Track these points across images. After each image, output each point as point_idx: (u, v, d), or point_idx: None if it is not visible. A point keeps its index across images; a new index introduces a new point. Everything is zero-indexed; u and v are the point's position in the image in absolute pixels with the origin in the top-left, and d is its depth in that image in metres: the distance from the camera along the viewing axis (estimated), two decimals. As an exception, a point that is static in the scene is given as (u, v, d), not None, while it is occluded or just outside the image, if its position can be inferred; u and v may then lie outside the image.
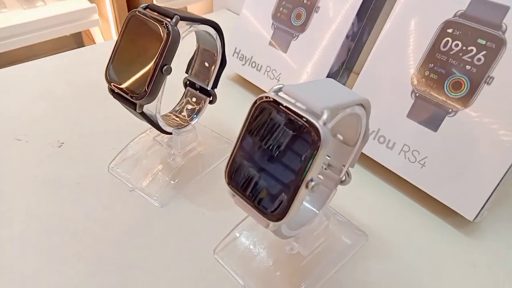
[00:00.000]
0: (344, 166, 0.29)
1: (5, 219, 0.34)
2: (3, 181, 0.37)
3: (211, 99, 0.38)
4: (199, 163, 0.39)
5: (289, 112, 0.22)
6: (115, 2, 1.31)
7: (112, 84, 0.32)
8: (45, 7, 1.27)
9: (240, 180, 0.24)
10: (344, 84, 0.45)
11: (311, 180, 0.22)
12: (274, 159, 0.23)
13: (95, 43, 1.50)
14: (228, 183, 0.25)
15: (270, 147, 0.23)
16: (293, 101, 0.23)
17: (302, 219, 0.29)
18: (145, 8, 0.32)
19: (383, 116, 0.37)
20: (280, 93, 0.24)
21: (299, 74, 0.43)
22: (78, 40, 1.57)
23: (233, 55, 0.49)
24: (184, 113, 0.38)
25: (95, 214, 0.35)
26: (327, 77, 0.42)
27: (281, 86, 0.24)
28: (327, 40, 0.41)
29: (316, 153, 0.21)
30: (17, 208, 0.35)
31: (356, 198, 0.37)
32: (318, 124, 0.21)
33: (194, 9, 1.74)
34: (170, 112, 0.38)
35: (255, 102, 0.24)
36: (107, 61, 0.32)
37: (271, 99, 0.23)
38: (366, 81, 0.39)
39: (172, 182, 0.37)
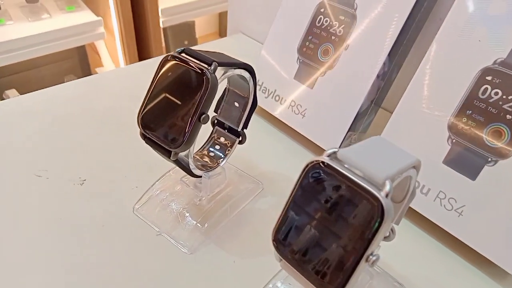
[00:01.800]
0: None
1: (27, 265, 0.32)
2: (24, 222, 0.36)
3: (240, 139, 0.37)
4: (228, 205, 0.37)
5: (348, 182, 0.21)
6: (121, 15, 1.30)
7: (145, 130, 0.31)
8: (51, 20, 1.26)
9: (290, 245, 0.23)
10: (372, 120, 0.44)
11: (372, 254, 0.21)
12: (331, 229, 0.22)
13: (99, 55, 1.49)
14: (276, 246, 0.24)
15: (327, 215, 0.22)
16: (351, 167, 0.22)
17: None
18: (180, 53, 0.31)
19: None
20: (336, 157, 0.23)
21: (326, 111, 0.43)
22: (81, 51, 1.56)
23: (255, 87, 0.48)
24: (212, 154, 0.37)
25: (120, 259, 0.33)
26: (356, 115, 0.41)
27: (336, 150, 0.23)
28: (357, 79, 0.41)
29: (379, 226, 0.20)
30: (38, 251, 0.33)
31: (392, 247, 0.36)
32: (381, 196, 0.21)
33: (201, 27, 1.73)
34: (197, 153, 0.37)
35: (307, 166, 0.23)
36: (140, 105, 0.31)
37: (326, 164, 0.22)
38: (399, 122, 0.38)
39: (201, 226, 0.35)
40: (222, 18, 1.93)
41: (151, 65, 0.58)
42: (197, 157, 0.37)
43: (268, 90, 0.47)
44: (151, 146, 0.32)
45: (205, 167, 0.36)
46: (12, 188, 0.39)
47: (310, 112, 0.44)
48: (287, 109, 0.46)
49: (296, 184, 0.23)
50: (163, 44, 1.58)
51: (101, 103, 0.50)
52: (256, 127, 0.48)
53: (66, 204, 0.38)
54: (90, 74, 1.62)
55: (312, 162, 0.23)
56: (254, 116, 0.50)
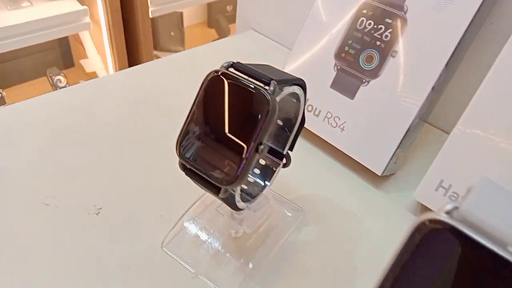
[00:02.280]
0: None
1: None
2: (30, 263, 0.30)
3: (284, 162, 0.32)
4: (271, 237, 0.33)
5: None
6: (108, 4, 1.21)
7: (187, 160, 0.26)
8: (32, 8, 1.17)
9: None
10: (417, 136, 0.40)
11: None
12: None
13: (83, 46, 1.40)
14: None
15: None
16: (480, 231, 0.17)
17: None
18: (228, 67, 0.26)
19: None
20: (456, 214, 0.18)
21: (370, 125, 0.38)
22: (63, 42, 1.46)
23: (284, 96, 0.43)
24: (252, 179, 0.33)
25: (152, 307, 0.29)
26: (407, 132, 0.36)
27: (456, 206, 0.18)
28: (409, 91, 0.36)
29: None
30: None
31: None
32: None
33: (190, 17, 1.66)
34: (235, 178, 0.32)
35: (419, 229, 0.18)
36: (179, 131, 0.26)
37: (451, 227, 0.18)
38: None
39: (243, 266, 0.31)
40: (210, 7, 1.86)
41: (158, 66, 0.53)
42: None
43: (299, 99, 0.43)
44: (194, 180, 0.27)
45: (246, 196, 0.31)
46: (15, 221, 0.33)
47: (350, 126, 0.39)
48: (322, 122, 0.41)
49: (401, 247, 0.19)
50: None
51: (107, 111, 0.44)
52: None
53: (82, 240, 0.32)
54: (73, 66, 1.53)
55: (426, 222, 0.18)
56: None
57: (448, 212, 0.18)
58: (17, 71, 1.39)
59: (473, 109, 0.33)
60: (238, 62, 0.26)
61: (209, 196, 0.33)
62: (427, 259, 0.18)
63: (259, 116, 0.24)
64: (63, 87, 1.38)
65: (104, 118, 0.44)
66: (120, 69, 1.36)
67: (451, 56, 0.35)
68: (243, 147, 0.24)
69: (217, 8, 1.79)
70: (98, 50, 1.38)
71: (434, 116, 0.43)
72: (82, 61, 1.41)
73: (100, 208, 0.34)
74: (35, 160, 0.38)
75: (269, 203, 0.32)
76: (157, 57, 1.64)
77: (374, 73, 0.38)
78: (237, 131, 0.25)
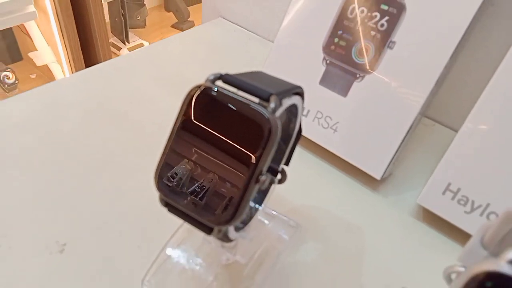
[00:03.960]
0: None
1: None
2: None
3: (280, 178, 0.28)
4: (266, 261, 0.29)
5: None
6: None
7: (169, 197, 0.21)
8: (-34, -3, 1.05)
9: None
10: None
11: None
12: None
13: (30, 37, 1.28)
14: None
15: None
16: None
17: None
18: (214, 81, 0.21)
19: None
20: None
21: (366, 125, 0.34)
22: (7, 34, 1.34)
23: (267, 94, 0.39)
24: (243, 200, 0.28)
25: None
26: (408, 131, 0.33)
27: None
28: (410, 86, 0.33)
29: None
30: None
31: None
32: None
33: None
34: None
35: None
36: (158, 161, 0.21)
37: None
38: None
39: (240, 300, 0.27)
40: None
41: (119, 64, 0.46)
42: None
43: (284, 97, 0.38)
44: (179, 217, 0.22)
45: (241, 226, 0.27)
46: (-41, 270, 0.27)
47: (343, 126, 0.35)
48: (312, 122, 0.37)
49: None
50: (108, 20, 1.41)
51: (62, 124, 0.38)
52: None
53: (42, 282, 0.27)
54: (21, 60, 1.41)
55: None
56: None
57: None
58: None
59: (483, 104, 0.30)
60: (227, 74, 0.21)
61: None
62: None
63: (259, 139, 0.19)
64: (11, 84, 1.26)
65: (59, 134, 0.38)
66: (74, 60, 1.26)
67: (457, 46, 0.31)
68: (240, 178, 0.20)
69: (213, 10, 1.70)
70: (47, 41, 1.27)
71: (431, 109, 0.40)
72: (31, 54, 1.30)
73: (64, 244, 0.29)
74: (-20, 190, 0.32)
75: (263, 225, 0.28)
76: (114, 45, 1.54)
77: (369, 67, 0.34)
78: (231, 160, 0.20)
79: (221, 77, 0.21)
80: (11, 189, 0.32)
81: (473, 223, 0.30)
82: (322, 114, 0.36)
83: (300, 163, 0.37)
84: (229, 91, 0.20)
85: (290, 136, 0.26)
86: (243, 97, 0.20)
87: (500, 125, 0.29)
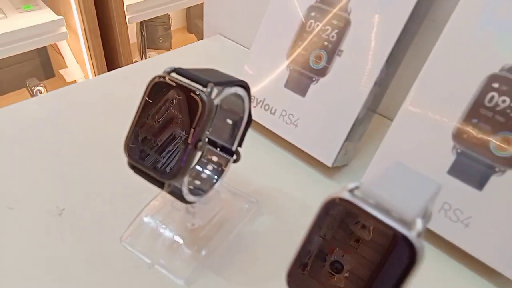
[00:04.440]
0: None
1: (8, 317, 0.29)
2: (-2, 264, 0.32)
3: (235, 158, 0.34)
4: (224, 228, 0.35)
5: (373, 220, 0.19)
6: (84, 13, 1.23)
7: (134, 160, 0.28)
8: (6, 20, 1.18)
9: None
10: (367, 128, 0.42)
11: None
12: (358, 266, 0.20)
13: (62, 56, 1.41)
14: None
15: (349, 252, 0.20)
16: (374, 203, 0.20)
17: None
18: (169, 72, 0.28)
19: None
20: (357, 192, 0.21)
21: (320, 120, 0.40)
22: (42, 53, 1.47)
23: (242, 96, 0.46)
24: (205, 175, 0.35)
25: (112, 299, 0.30)
26: (353, 124, 0.39)
27: (357, 184, 0.21)
28: (354, 87, 0.39)
29: (412, 270, 0.19)
30: (19, 299, 0.30)
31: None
32: (411, 237, 0.19)
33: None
34: (189, 175, 0.34)
35: (325, 204, 0.21)
36: (127, 132, 0.28)
37: (347, 201, 0.20)
38: (401, 131, 0.36)
39: (197, 254, 0.33)
40: (189, 13, 1.88)
41: (122, 74, 0.54)
42: (189, 179, 0.34)
43: (257, 99, 0.45)
44: (141, 176, 0.28)
45: (198, 191, 0.33)
46: (-19, 224, 0.35)
47: (303, 122, 0.42)
48: (278, 119, 0.43)
49: (314, 219, 0.21)
50: (136, 40, 1.52)
51: (75, 122, 0.46)
52: (245, 139, 0.45)
53: (44, 238, 0.34)
54: (54, 76, 1.53)
55: (333, 199, 0.20)
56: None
57: (350, 190, 0.20)
58: (-4, 83, 1.40)
59: (416, 92, 0.35)
60: (180, 68, 0.28)
61: (166, 194, 0.35)
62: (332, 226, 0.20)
63: (197, 115, 0.26)
64: (43, 97, 1.38)
65: (68, 127, 0.45)
66: (100, 77, 1.37)
67: (390, 54, 0.37)
68: (184, 145, 0.26)
69: (196, 13, 1.82)
70: (77, 59, 1.39)
71: (386, 108, 0.46)
72: (62, 71, 1.42)
73: (63, 209, 0.36)
74: (1, 169, 0.40)
75: (219, 195, 0.34)
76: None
77: (323, 72, 0.40)
78: (178, 131, 0.27)
79: (175, 70, 0.28)
80: (25, 166, 0.40)
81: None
82: (286, 112, 0.43)
83: (267, 154, 0.43)
84: (179, 79, 0.27)
85: (240, 120, 0.33)
86: (188, 84, 0.27)
87: (430, 108, 0.35)
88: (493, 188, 0.32)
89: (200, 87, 0.26)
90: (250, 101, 0.32)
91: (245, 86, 0.31)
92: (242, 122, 0.33)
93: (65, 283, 0.31)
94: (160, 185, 0.28)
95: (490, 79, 0.32)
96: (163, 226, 0.34)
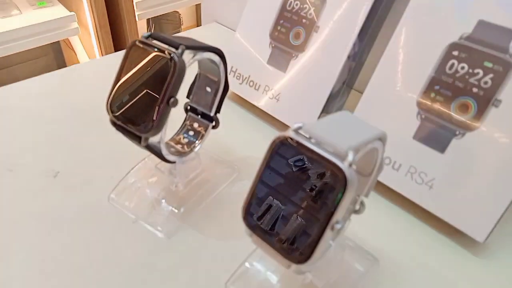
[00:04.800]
0: (358, 196, 0.29)
1: (3, 260, 0.32)
2: (-3, 216, 0.35)
3: (214, 124, 0.37)
4: (204, 189, 0.38)
5: (312, 154, 0.22)
6: (94, 9, 1.27)
7: (115, 116, 0.31)
8: (21, 16, 1.23)
9: (259, 219, 0.24)
10: (344, 102, 0.44)
11: (337, 222, 0.22)
12: (297, 200, 0.22)
13: (74, 51, 1.46)
14: (246, 221, 0.24)
15: (294, 188, 0.22)
16: (315, 141, 0.22)
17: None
18: (147, 37, 0.31)
19: (389, 137, 0.37)
20: (301, 132, 0.23)
21: (299, 94, 0.43)
22: (56, 48, 1.53)
23: (229, 74, 0.48)
24: (186, 140, 0.37)
25: (98, 248, 0.33)
26: (329, 97, 0.41)
27: (301, 125, 0.23)
28: (328, 61, 0.41)
29: (342, 195, 0.21)
30: (15, 246, 0.33)
31: (364, 221, 0.37)
32: (344, 166, 0.21)
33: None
34: (171, 139, 0.37)
35: (274, 142, 0.23)
36: (109, 92, 0.31)
37: (292, 139, 0.23)
38: (370, 102, 0.39)
39: (177, 211, 0.35)
40: (198, 9, 1.92)
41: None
42: (172, 143, 0.37)
43: (242, 76, 0.47)
44: (122, 133, 0.31)
45: (180, 153, 0.36)
46: (-17, 183, 0.38)
47: (284, 96, 0.44)
48: (261, 94, 0.46)
49: (263, 160, 0.24)
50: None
51: (76, 96, 0.50)
52: (231, 113, 0.48)
53: (39, 197, 0.37)
54: (66, 71, 1.58)
55: (279, 138, 0.23)
56: (229, 102, 0.50)
57: (295, 130, 0.23)
58: (11, 78, 1.45)
59: (379, 71, 0.38)
60: (156, 32, 0.31)
61: (152, 158, 0.37)
62: (279, 163, 0.23)
63: (169, 74, 0.29)
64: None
65: (69, 102, 0.49)
66: (110, 71, 1.41)
67: (362, 28, 0.39)
68: (157, 101, 0.29)
69: (210, 16, 1.85)
70: (88, 55, 1.44)
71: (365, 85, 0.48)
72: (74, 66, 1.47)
73: (58, 172, 0.39)
74: (5, 135, 0.43)
75: (199, 158, 0.37)
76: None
77: (301, 48, 0.43)
78: (153, 89, 0.30)
79: (151, 34, 0.30)
80: (25, 134, 0.43)
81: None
82: (269, 88, 0.45)
83: (253, 129, 0.46)
84: (154, 43, 0.30)
85: (218, 88, 0.36)
86: (162, 46, 0.29)
87: (394, 86, 0.37)
88: (454, 150, 0.34)
89: (173, 49, 0.29)
90: (226, 69, 0.35)
91: (219, 53, 0.33)
92: (218, 89, 0.36)
93: (56, 234, 0.34)
94: (138, 139, 0.30)
95: (450, 47, 0.34)
96: (148, 186, 0.37)
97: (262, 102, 0.46)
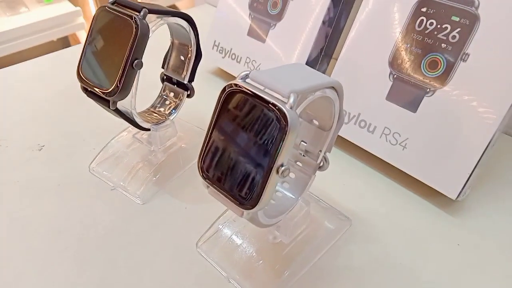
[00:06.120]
0: (321, 151, 0.29)
1: (-14, 225, 0.33)
2: (-17, 187, 0.37)
3: (188, 93, 0.38)
4: (180, 158, 0.38)
5: (256, 99, 0.22)
6: (99, 3, 1.30)
7: (84, 82, 0.32)
8: (29, 13, 1.26)
9: (213, 170, 0.24)
10: (324, 71, 0.44)
11: (282, 165, 0.22)
12: (244, 147, 0.23)
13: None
14: (202, 175, 0.25)
15: (240, 135, 0.23)
16: (260, 86, 0.23)
17: (281, 206, 0.29)
18: (113, 3, 0.31)
19: (363, 100, 0.37)
20: (248, 80, 0.23)
21: (277, 63, 0.43)
22: (65, 45, 1.56)
23: (212, 48, 0.49)
24: (163, 109, 0.38)
25: (78, 214, 0.34)
26: (306, 64, 0.41)
27: (248, 72, 0.23)
28: (304, 27, 0.41)
29: (285, 137, 0.21)
30: (-2, 213, 0.34)
31: (339, 184, 0.37)
32: (285, 108, 0.21)
33: (180, 6, 1.74)
34: (148, 108, 0.38)
35: (224, 90, 0.24)
36: (78, 59, 0.32)
37: (239, 86, 0.23)
38: (344, 66, 0.38)
39: (154, 178, 0.36)
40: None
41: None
42: (149, 112, 0.38)
43: (225, 49, 0.48)
44: (92, 98, 0.32)
45: (156, 122, 0.37)
46: (-28, 157, 0.40)
47: (263, 66, 0.44)
48: (243, 66, 0.46)
49: (214, 110, 0.24)
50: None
51: (64, 78, 0.51)
52: (214, 86, 0.48)
53: (24, 168, 0.38)
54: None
55: (229, 85, 0.23)
56: (211, 76, 0.51)
57: (242, 77, 0.23)
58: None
59: (357, 29, 0.38)
60: (121, -1, 0.31)
61: (131, 130, 0.38)
62: (228, 111, 0.23)
63: (131, 37, 0.29)
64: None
65: (58, 83, 0.50)
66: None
67: (335, -7, 0.39)
68: (122, 64, 0.30)
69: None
70: (96, 49, 1.46)
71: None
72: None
73: (43, 146, 0.41)
74: (-6, 113, 0.45)
75: (175, 126, 0.37)
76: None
77: (279, 17, 0.43)
78: (118, 53, 0.30)
79: (116, 1, 0.31)
80: (15, 112, 0.45)
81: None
82: (250, 59, 0.45)
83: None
84: (118, 10, 0.30)
85: (190, 54, 0.36)
86: (126, 11, 0.30)
87: (367, 49, 0.37)
88: (425, 108, 0.34)
89: (135, 13, 0.30)
90: (196, 35, 0.35)
91: (187, 18, 0.34)
92: (192, 57, 0.36)
93: (37, 201, 0.35)
94: (107, 103, 0.31)
95: (419, 4, 0.34)
96: (126, 155, 0.38)
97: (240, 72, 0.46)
